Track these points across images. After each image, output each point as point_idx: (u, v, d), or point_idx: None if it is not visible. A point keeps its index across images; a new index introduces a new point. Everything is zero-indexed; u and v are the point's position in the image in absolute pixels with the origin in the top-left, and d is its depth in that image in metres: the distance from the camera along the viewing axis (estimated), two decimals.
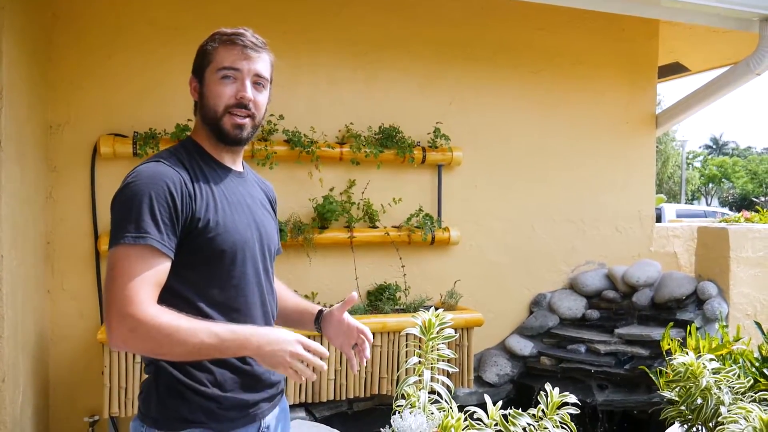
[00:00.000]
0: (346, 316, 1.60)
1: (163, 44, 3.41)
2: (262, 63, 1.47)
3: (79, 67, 3.29)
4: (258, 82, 1.47)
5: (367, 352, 1.60)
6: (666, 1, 3.51)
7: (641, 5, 3.58)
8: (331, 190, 3.71)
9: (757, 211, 5.29)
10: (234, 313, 1.44)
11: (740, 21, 3.72)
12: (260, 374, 1.47)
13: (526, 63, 4.22)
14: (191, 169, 1.42)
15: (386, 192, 3.83)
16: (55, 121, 3.27)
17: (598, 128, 4.43)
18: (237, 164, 1.56)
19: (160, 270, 1.32)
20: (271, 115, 3.53)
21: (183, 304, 1.37)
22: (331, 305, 3.51)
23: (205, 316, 1.38)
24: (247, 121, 1.46)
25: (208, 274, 1.41)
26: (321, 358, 1.37)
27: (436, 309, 1.92)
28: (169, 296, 1.36)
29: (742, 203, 32.78)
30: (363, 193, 3.78)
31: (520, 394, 3.86)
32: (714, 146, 46.69)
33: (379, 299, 3.66)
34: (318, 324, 1.66)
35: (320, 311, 1.67)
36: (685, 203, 29.82)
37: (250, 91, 1.44)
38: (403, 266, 3.83)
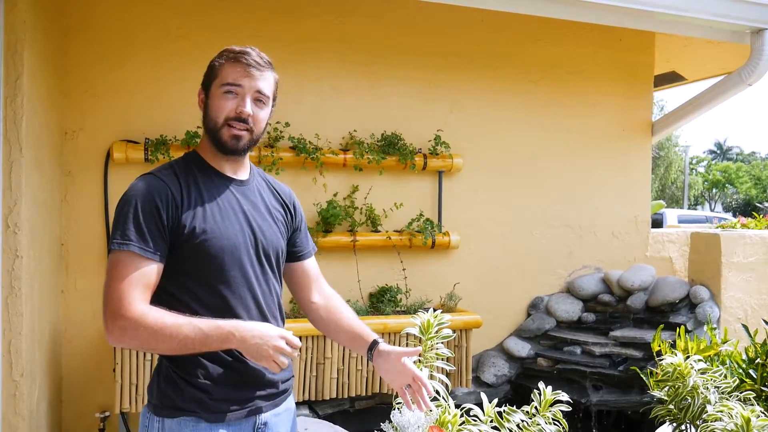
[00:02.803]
0: (406, 360, 1.61)
1: (173, 54, 3.54)
2: (264, 81, 1.56)
3: (92, 75, 3.42)
4: (259, 98, 1.56)
5: (428, 401, 1.62)
6: (660, 15, 3.62)
7: (636, 18, 3.69)
8: (334, 195, 3.83)
9: (753, 217, 5.39)
10: (226, 315, 1.51)
11: (732, 33, 3.83)
12: (255, 372, 1.55)
13: (525, 72, 4.34)
14: (184, 181, 1.53)
15: (388, 197, 3.95)
16: (69, 127, 3.39)
17: (595, 136, 4.54)
18: (239, 173, 1.64)
19: (146, 272, 1.43)
20: (277, 122, 3.66)
21: (181, 306, 1.48)
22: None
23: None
24: (244, 133, 1.54)
25: (199, 278, 1.52)
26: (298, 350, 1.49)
27: (436, 311, 2.03)
28: (169, 300, 1.48)
29: (746, 209, 32.80)
30: (366, 198, 3.90)
31: (518, 394, 3.96)
32: (718, 151, 46.67)
33: (380, 301, 3.78)
34: (370, 354, 1.67)
35: (375, 341, 1.67)
36: (688, 209, 29.86)
37: (249, 107, 1.53)
38: (404, 269, 3.95)
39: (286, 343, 1.45)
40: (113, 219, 1.50)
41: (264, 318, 1.59)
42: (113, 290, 1.40)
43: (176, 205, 1.49)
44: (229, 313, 1.52)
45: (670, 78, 5.44)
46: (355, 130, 3.88)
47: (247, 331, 1.43)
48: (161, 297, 1.48)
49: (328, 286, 1.85)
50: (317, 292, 1.80)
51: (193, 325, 1.41)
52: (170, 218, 1.48)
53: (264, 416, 1.59)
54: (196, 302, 1.51)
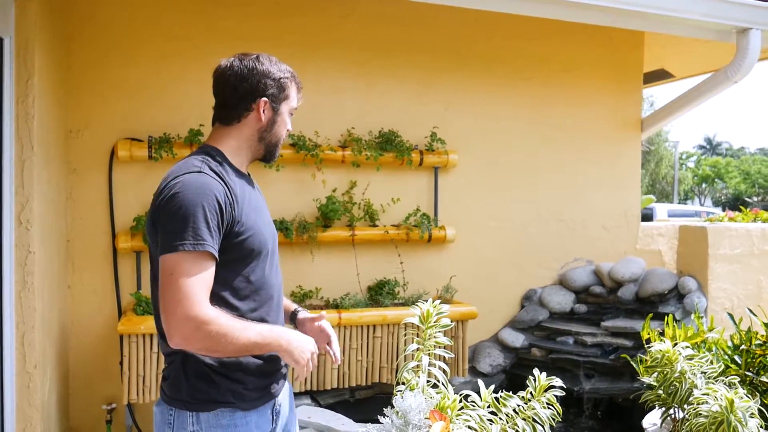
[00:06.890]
0: (323, 323, 1.83)
1: (175, 54, 3.62)
2: None
3: (97, 75, 3.50)
4: None
5: (338, 355, 1.84)
6: (651, 15, 3.72)
7: (628, 18, 3.79)
8: (333, 190, 3.92)
9: (741, 211, 5.54)
10: (255, 303, 1.61)
11: (719, 33, 3.95)
12: (277, 361, 1.66)
13: (518, 70, 4.45)
14: (224, 179, 1.57)
15: (386, 193, 4.05)
16: (74, 126, 3.47)
17: (586, 132, 4.66)
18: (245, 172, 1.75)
19: (212, 272, 1.48)
20: None
21: (214, 297, 1.51)
22: (334, 299, 3.66)
23: (232, 308, 1.54)
24: None
25: (237, 270, 1.57)
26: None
27: (434, 302, 2.12)
28: None
29: (735, 203, 33.09)
30: (363, 193, 4.00)
31: (512, 383, 4.07)
32: (708, 146, 47.01)
33: (379, 294, 3.88)
34: (294, 321, 1.88)
35: (295, 311, 1.89)
36: (678, 203, 30.11)
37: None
38: (401, 263, 4.05)
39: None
40: (171, 218, 1.46)
41: (278, 306, 1.71)
42: (183, 291, 1.41)
43: (231, 203, 1.53)
44: (259, 301, 1.62)
45: (660, 75, 5.56)
46: (353, 128, 3.98)
47: (294, 341, 1.58)
48: None
49: None
50: None
51: (254, 330, 1.51)
52: (228, 216, 1.52)
53: (279, 398, 1.71)
54: (230, 292, 1.57)
